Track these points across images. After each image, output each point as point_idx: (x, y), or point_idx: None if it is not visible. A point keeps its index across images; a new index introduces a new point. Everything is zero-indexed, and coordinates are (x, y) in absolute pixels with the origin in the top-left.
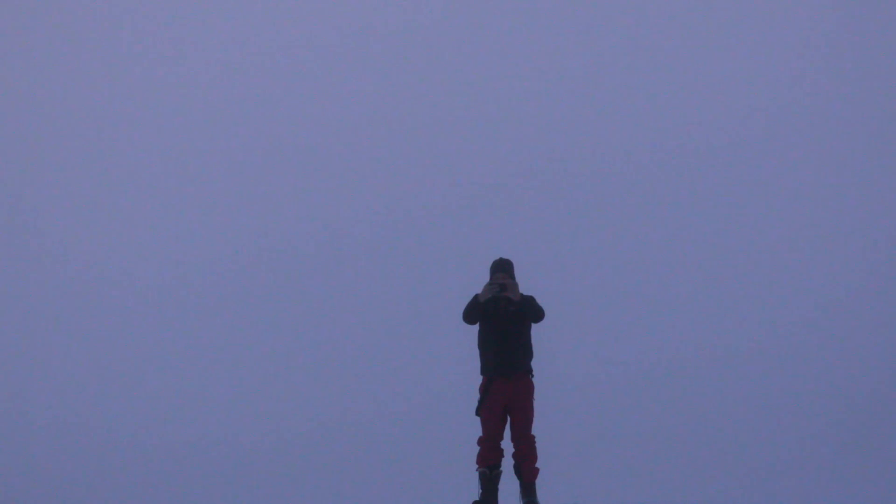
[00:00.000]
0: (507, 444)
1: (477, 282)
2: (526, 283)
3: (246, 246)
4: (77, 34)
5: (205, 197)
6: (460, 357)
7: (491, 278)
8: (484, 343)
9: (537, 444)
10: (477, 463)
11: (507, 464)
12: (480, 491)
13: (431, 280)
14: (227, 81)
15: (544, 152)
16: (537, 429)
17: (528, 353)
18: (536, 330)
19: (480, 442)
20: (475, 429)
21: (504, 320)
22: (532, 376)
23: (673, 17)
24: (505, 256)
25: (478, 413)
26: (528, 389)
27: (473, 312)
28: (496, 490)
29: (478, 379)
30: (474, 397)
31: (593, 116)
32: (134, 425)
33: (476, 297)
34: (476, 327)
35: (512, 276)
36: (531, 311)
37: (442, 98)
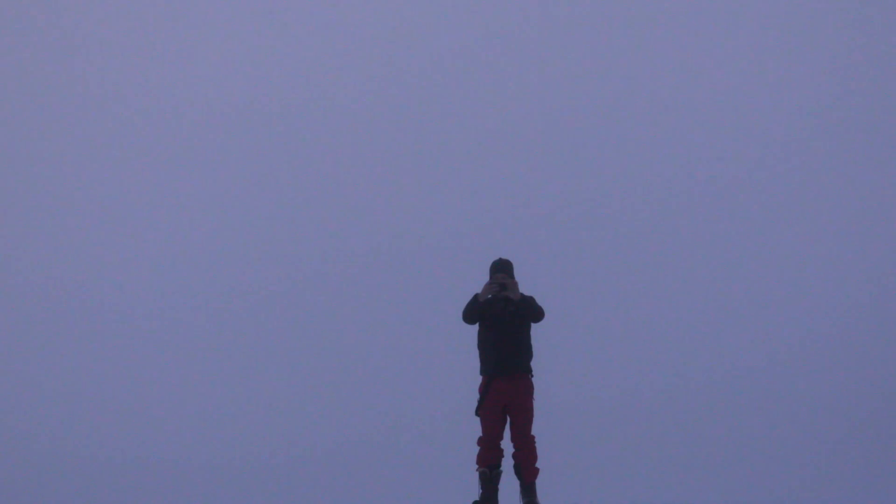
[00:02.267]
0: (506, 445)
1: (476, 282)
2: (525, 284)
3: (241, 245)
4: (70, 34)
5: (203, 198)
6: (460, 357)
7: (491, 278)
8: (483, 343)
9: (537, 445)
10: (477, 463)
11: (507, 464)
12: (480, 491)
13: (430, 279)
14: (226, 82)
15: (545, 152)
16: (537, 429)
17: (527, 352)
18: (536, 330)
19: (480, 442)
20: (475, 429)
21: (504, 320)
22: (532, 376)
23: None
24: (504, 256)
25: (477, 413)
26: (528, 389)
27: (473, 312)
28: (496, 490)
29: (477, 379)
30: (474, 397)
31: (599, 118)
32: (131, 435)
33: (476, 296)
34: (475, 327)
35: (511, 276)
36: (531, 311)
37: (441, 98)
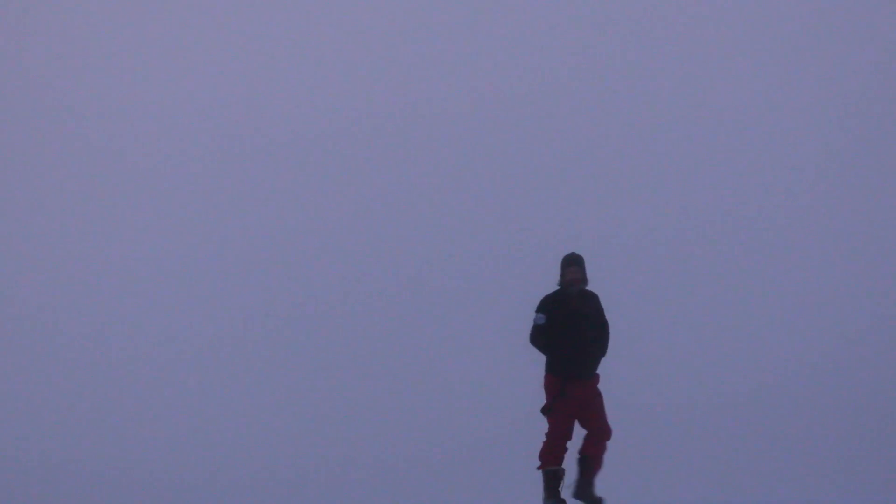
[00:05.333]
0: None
1: (501, 282)
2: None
3: (261, 248)
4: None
5: (205, 200)
6: (476, 357)
7: (562, 272)
8: (559, 341)
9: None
10: (539, 458)
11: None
12: (549, 488)
13: (436, 279)
14: (226, 81)
15: (570, 155)
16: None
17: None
18: None
19: (549, 439)
20: (494, 430)
21: (584, 319)
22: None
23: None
24: (577, 252)
25: (546, 412)
26: (599, 392)
27: (539, 337)
28: (560, 488)
29: (497, 380)
30: (493, 399)
31: (616, 121)
32: (142, 444)
33: (538, 325)
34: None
35: (584, 271)
36: (601, 341)
37: (457, 97)
